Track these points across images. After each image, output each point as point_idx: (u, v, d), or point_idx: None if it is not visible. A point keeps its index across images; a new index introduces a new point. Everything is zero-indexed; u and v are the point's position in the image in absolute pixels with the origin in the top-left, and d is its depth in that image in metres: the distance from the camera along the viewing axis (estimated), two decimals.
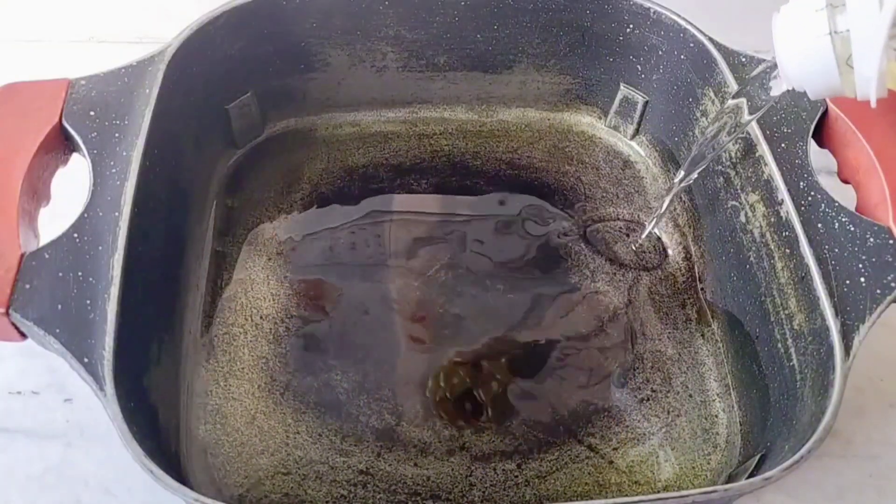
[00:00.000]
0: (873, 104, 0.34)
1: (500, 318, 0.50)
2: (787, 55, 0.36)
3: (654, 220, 0.53)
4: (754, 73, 0.42)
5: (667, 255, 0.53)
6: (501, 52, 0.56)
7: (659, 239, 0.54)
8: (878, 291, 0.39)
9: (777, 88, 0.40)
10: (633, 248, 0.54)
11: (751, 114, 0.43)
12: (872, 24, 0.33)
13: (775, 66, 0.38)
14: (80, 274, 0.37)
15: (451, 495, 0.43)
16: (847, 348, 0.38)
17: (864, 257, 0.40)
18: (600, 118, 0.60)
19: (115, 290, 0.36)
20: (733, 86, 0.47)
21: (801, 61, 0.36)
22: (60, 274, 0.37)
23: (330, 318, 0.49)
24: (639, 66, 0.55)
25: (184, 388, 0.45)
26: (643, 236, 0.54)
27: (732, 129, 0.44)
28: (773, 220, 0.44)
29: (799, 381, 0.41)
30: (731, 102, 0.44)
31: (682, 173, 0.48)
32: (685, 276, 0.53)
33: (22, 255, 0.36)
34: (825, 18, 0.34)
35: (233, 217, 0.53)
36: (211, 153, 0.54)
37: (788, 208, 0.42)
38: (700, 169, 0.47)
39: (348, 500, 0.42)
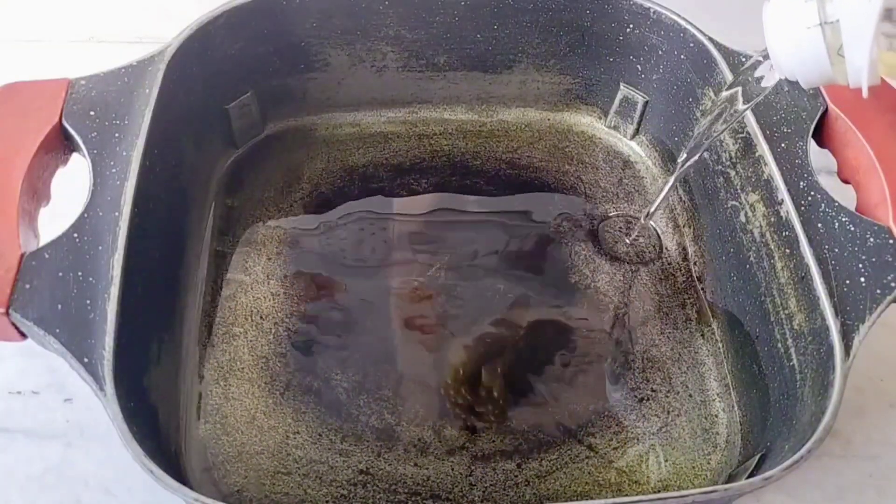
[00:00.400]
0: (865, 93, 0.34)
1: (499, 318, 0.50)
2: (778, 46, 0.37)
3: (653, 209, 0.53)
4: (748, 63, 0.42)
5: (667, 255, 0.53)
6: (501, 52, 0.56)
7: (659, 238, 0.54)
8: (878, 291, 0.39)
9: (770, 79, 0.40)
10: (628, 241, 0.53)
11: (745, 104, 0.43)
12: (862, 13, 0.33)
13: (768, 56, 0.38)
14: (80, 274, 0.37)
15: (451, 495, 0.43)
16: (847, 348, 0.38)
17: (864, 257, 0.40)
18: (600, 118, 0.60)
19: (115, 290, 0.36)
20: None
21: (792, 52, 0.36)
22: (60, 274, 0.37)
23: (330, 318, 0.49)
24: (639, 66, 0.55)
25: (184, 388, 0.45)
26: (641, 223, 0.53)
27: (728, 119, 0.44)
28: (773, 219, 0.44)
29: (799, 380, 0.41)
30: (725, 94, 0.44)
31: (683, 155, 0.48)
32: (685, 275, 0.53)
33: (22, 255, 0.36)
34: (815, 9, 0.35)
35: (233, 217, 0.53)
36: (211, 153, 0.54)
37: (788, 208, 0.43)
38: (696, 157, 0.47)
39: (348, 500, 0.42)
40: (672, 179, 0.50)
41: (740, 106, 0.43)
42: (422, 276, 0.51)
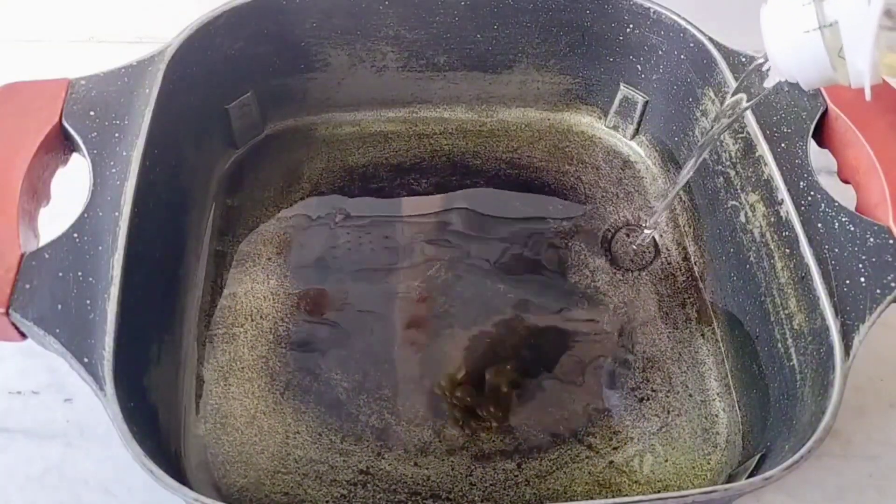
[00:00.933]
0: (868, 96, 0.34)
1: (499, 318, 0.50)
2: (776, 49, 0.36)
3: (659, 213, 0.53)
4: (748, 70, 0.42)
5: (667, 255, 0.53)
6: (501, 52, 0.56)
7: (659, 238, 0.54)
8: (878, 291, 0.39)
9: (770, 80, 0.40)
10: (634, 246, 0.54)
11: (747, 103, 0.43)
12: (862, 17, 0.32)
13: (767, 58, 0.38)
14: (80, 274, 0.37)
15: (451, 495, 0.43)
16: (847, 348, 0.38)
17: (864, 257, 0.40)
18: (600, 118, 0.60)
19: (115, 290, 0.36)
20: (733, 86, 0.47)
21: (791, 56, 0.36)
22: (60, 274, 0.37)
23: (330, 318, 0.49)
24: (639, 66, 0.55)
25: (184, 388, 0.45)
26: (648, 226, 0.53)
27: (730, 117, 0.44)
28: (773, 219, 0.44)
29: (799, 380, 0.41)
30: (729, 101, 0.44)
31: (689, 173, 0.48)
32: (685, 275, 0.53)
33: (22, 255, 0.36)
34: (813, 13, 0.34)
35: (233, 216, 0.53)
36: (211, 153, 0.54)
37: (788, 208, 0.42)
38: (700, 158, 0.47)
39: (348, 500, 0.42)
40: (675, 190, 0.50)
41: (742, 105, 0.43)
42: (422, 276, 0.51)
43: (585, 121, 0.60)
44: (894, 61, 0.34)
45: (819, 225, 0.42)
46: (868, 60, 0.33)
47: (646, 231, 0.54)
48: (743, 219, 0.47)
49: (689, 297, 0.52)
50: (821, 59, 0.35)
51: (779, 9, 0.36)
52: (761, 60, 0.40)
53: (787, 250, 0.43)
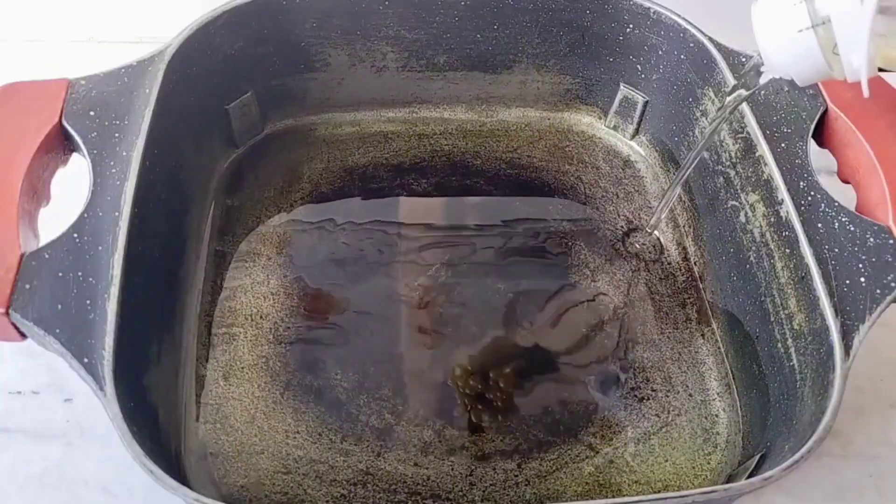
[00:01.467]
0: (866, 92, 0.34)
1: (500, 317, 0.50)
2: (770, 48, 0.36)
3: (659, 212, 0.53)
4: (744, 70, 0.42)
5: (667, 255, 0.53)
6: (501, 52, 0.56)
7: (659, 239, 0.54)
8: (878, 291, 0.39)
9: (764, 77, 0.40)
10: (628, 241, 0.54)
11: (745, 102, 0.43)
12: (855, 15, 0.32)
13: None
14: (80, 274, 0.37)
15: (451, 495, 0.43)
16: (847, 348, 0.38)
17: (864, 257, 0.40)
18: (600, 118, 0.60)
19: (115, 290, 0.36)
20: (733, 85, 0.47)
21: (785, 54, 0.36)
22: (60, 274, 0.37)
23: (330, 317, 0.49)
24: (639, 66, 0.55)
25: (184, 388, 0.45)
26: (650, 227, 0.53)
27: (721, 116, 0.44)
28: (773, 219, 0.44)
29: (799, 380, 0.41)
30: (728, 99, 0.44)
31: (686, 172, 0.48)
32: (685, 275, 0.53)
33: (22, 255, 0.36)
34: (805, 12, 0.34)
35: (233, 216, 0.53)
36: (211, 153, 0.54)
37: (788, 208, 0.43)
38: (698, 155, 0.47)
39: (348, 500, 0.42)
40: (677, 189, 0.50)
41: (742, 106, 0.43)
42: (422, 275, 0.51)
43: (585, 121, 0.60)
44: (892, 54, 0.34)
45: (819, 225, 0.42)
46: (864, 58, 0.33)
47: (647, 230, 0.54)
48: (743, 219, 0.47)
49: (688, 297, 0.52)
50: (815, 56, 0.35)
51: (770, 8, 0.35)
52: (759, 58, 0.40)
53: (787, 250, 0.43)
